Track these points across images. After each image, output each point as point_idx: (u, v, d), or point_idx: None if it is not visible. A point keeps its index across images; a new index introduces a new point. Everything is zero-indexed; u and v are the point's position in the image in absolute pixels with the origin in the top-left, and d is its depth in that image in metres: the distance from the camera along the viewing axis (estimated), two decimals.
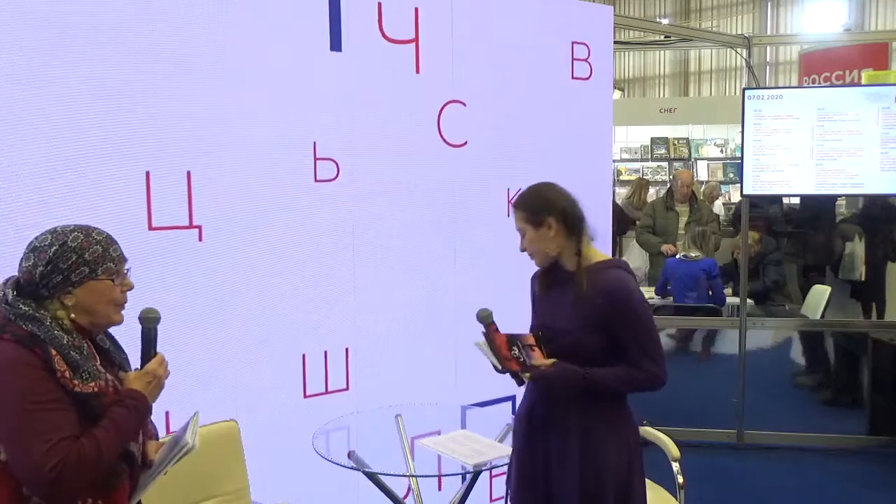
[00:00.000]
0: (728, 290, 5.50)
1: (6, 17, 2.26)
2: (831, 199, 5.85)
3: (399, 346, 3.16)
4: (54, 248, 1.65)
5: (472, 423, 2.96)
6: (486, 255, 3.34)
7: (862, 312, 5.80)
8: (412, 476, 2.69)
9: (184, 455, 1.75)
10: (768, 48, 15.05)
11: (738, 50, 5.28)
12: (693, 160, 10.20)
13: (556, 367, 2.14)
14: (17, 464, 1.56)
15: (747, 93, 4.60)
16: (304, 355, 2.92)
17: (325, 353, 2.97)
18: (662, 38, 6.25)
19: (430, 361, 3.22)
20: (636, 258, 6.54)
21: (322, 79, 2.89)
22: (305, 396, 2.93)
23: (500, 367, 2.22)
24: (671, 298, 5.41)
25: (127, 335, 1.82)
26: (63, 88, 2.35)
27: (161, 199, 2.55)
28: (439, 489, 3.11)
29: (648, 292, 5.58)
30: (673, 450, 2.87)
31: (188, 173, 2.59)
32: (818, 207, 5.83)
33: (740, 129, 4.68)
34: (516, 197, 2.29)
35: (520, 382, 2.26)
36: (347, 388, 3.04)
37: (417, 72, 3.14)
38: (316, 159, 2.89)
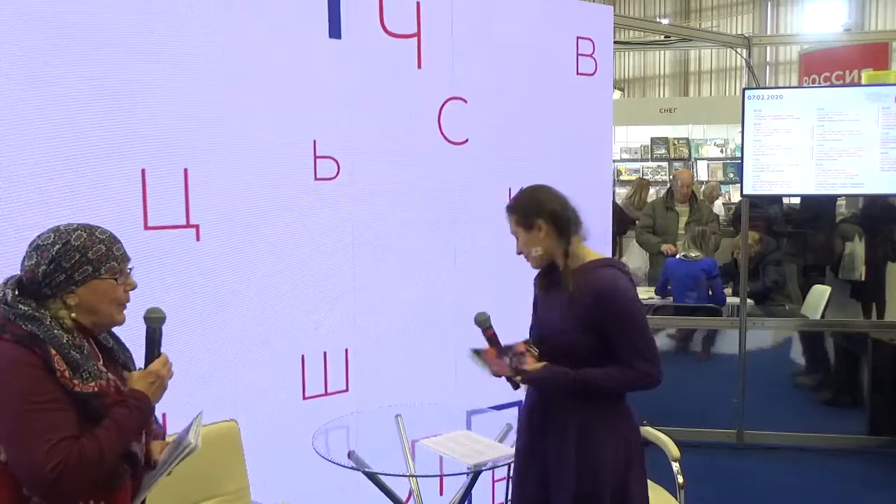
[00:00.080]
0: (728, 290, 5.50)
1: (6, 17, 2.25)
2: (831, 199, 5.85)
3: (399, 346, 3.16)
4: (57, 246, 1.64)
5: (472, 424, 2.96)
6: (486, 255, 3.34)
7: (862, 312, 5.80)
8: (412, 476, 2.69)
9: (187, 455, 1.74)
10: (768, 48, 15.05)
11: (738, 50, 5.28)
12: (693, 160, 10.19)
13: (545, 369, 2.18)
14: (17, 464, 1.56)
15: (747, 93, 4.60)
16: (303, 356, 2.92)
17: (325, 353, 2.97)
18: (662, 38, 6.25)
19: (430, 361, 3.22)
20: (636, 258, 6.54)
21: (322, 75, 2.89)
22: (304, 398, 2.93)
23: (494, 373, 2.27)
24: (671, 298, 5.40)
25: (129, 335, 1.82)
26: (63, 88, 2.35)
27: (161, 199, 2.54)
28: (441, 494, 3.11)
29: (648, 292, 5.59)
30: (673, 450, 2.87)
31: (185, 171, 2.58)
32: (818, 207, 5.83)
33: (740, 129, 4.68)
34: (510, 201, 2.31)
35: (515, 387, 2.30)
36: (347, 390, 3.04)
37: (419, 67, 3.13)
38: (316, 157, 2.89)
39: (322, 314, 2.96)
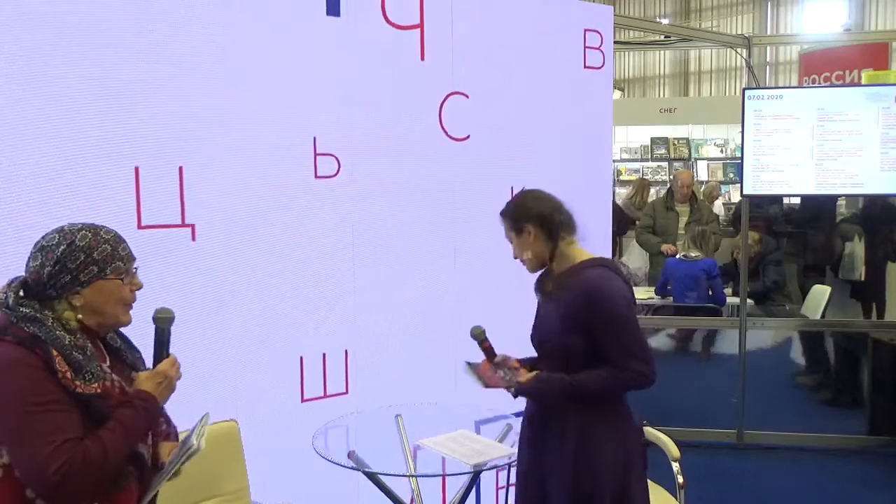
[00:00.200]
0: (728, 290, 5.49)
1: (6, 17, 2.26)
2: (831, 199, 5.84)
3: (399, 346, 3.16)
4: (62, 247, 1.63)
5: (472, 423, 2.96)
6: (486, 255, 3.33)
7: (862, 312, 5.79)
8: (412, 476, 2.69)
9: (189, 457, 1.72)
10: (768, 48, 15.03)
11: (738, 50, 5.28)
12: (693, 160, 10.19)
13: (536, 379, 2.19)
14: (20, 466, 1.55)
15: (747, 93, 4.60)
16: (301, 357, 2.91)
17: (324, 354, 2.97)
18: (662, 38, 6.24)
19: (430, 361, 3.21)
20: (636, 258, 6.54)
21: (323, 72, 2.89)
22: (303, 401, 2.92)
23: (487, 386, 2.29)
24: (671, 298, 5.40)
25: (132, 335, 1.81)
26: (63, 88, 2.35)
27: (161, 199, 2.54)
28: (443, 501, 3.10)
29: (648, 292, 5.59)
30: (673, 450, 2.87)
31: (179, 169, 2.58)
32: (818, 207, 5.83)
33: (740, 129, 4.68)
34: (504, 206, 2.32)
35: (515, 395, 2.32)
36: (347, 392, 3.03)
37: (423, 59, 3.12)
38: (316, 155, 2.89)
39: (322, 314, 2.95)
